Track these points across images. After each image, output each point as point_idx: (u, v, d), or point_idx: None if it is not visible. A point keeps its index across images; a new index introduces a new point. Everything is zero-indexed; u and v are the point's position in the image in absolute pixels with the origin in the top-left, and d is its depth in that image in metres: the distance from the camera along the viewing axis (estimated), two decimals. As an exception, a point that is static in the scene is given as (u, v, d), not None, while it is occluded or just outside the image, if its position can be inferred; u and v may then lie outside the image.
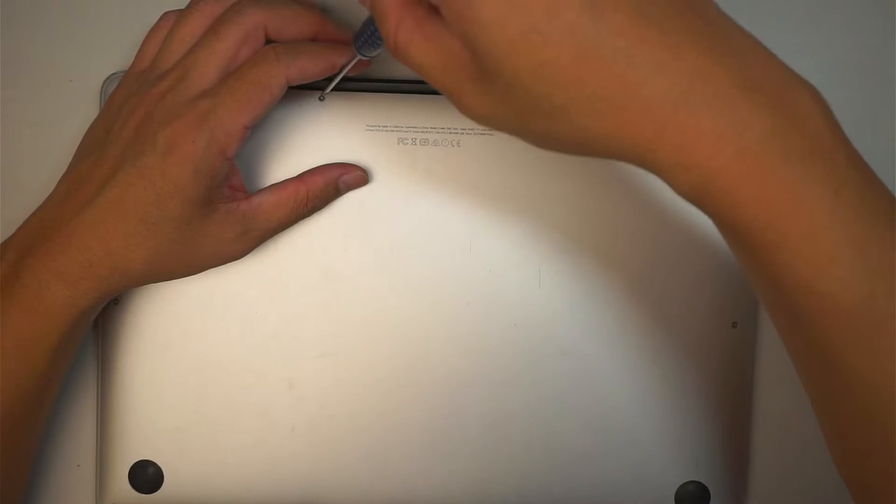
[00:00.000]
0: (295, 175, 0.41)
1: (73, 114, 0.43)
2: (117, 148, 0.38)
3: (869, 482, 0.32)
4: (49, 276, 0.37)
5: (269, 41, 0.39)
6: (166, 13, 0.41)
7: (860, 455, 0.32)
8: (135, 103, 0.38)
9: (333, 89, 0.41)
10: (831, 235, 0.29)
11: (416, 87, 0.42)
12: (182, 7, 0.40)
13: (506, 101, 0.31)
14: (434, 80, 0.32)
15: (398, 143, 0.42)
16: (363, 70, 0.40)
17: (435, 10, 0.31)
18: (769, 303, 0.33)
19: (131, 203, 0.37)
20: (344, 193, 0.42)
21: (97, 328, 0.43)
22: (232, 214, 0.39)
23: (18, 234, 0.38)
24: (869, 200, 0.30)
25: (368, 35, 0.37)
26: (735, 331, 0.43)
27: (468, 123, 0.42)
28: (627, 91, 0.29)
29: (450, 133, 0.42)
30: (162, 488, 0.42)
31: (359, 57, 0.38)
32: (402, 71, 0.43)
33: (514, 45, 0.29)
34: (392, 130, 0.42)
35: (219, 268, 0.41)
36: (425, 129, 0.42)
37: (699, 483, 0.43)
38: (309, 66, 0.38)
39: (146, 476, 0.42)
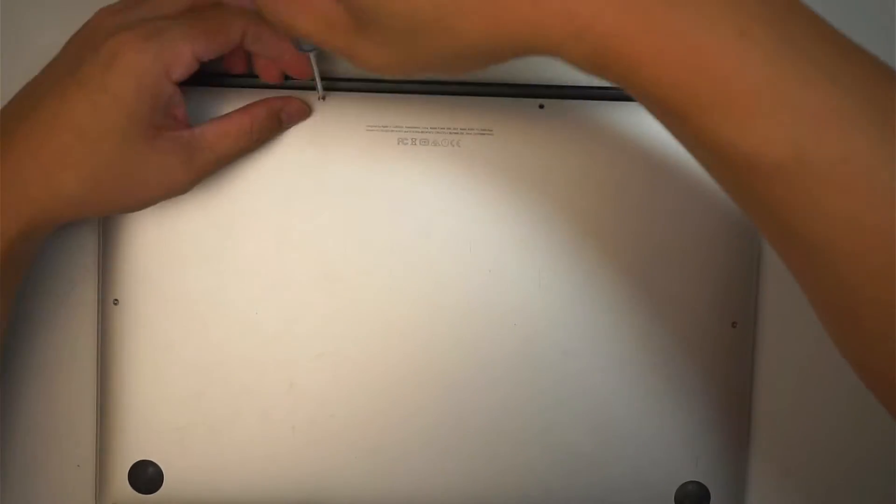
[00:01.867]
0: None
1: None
2: (60, 62, 0.36)
3: (855, 347, 0.30)
4: None
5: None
6: None
7: (839, 320, 0.29)
8: (92, 24, 0.37)
9: (334, 89, 0.41)
10: (743, 84, 0.26)
11: (416, 87, 0.42)
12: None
13: (389, 38, 0.30)
14: (325, 42, 0.32)
15: (398, 143, 0.42)
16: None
17: None
18: (710, 171, 0.29)
19: (67, 115, 0.35)
20: (287, 128, 0.41)
21: (97, 328, 0.43)
22: (176, 142, 0.37)
23: None
24: (787, 37, 0.26)
25: None
26: (735, 331, 0.43)
27: (468, 123, 0.42)
28: None
29: (450, 133, 0.42)
30: (162, 488, 0.42)
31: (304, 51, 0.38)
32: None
33: None
34: (392, 130, 0.42)
35: (218, 267, 0.41)
36: (425, 129, 0.42)
37: (699, 483, 0.43)
38: (267, 29, 0.37)
39: (146, 476, 0.42)
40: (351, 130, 0.42)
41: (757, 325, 0.44)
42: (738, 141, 0.26)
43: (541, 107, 0.42)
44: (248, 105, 0.40)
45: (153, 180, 0.37)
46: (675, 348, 0.42)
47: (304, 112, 0.41)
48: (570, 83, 0.42)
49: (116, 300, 0.42)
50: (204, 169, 0.39)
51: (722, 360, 0.43)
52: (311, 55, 0.38)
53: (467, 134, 0.42)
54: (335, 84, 0.41)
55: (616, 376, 0.43)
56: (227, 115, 0.39)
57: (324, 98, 0.41)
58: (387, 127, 0.42)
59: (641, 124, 0.42)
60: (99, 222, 0.42)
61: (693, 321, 0.42)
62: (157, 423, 0.42)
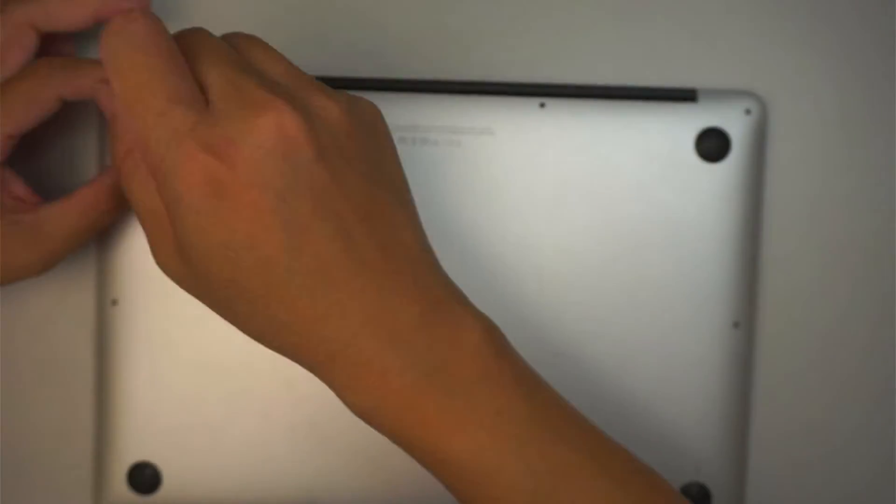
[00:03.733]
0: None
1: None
2: None
3: None
4: None
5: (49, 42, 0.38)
6: None
7: None
8: None
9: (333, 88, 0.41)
10: (494, 449, 0.32)
11: (416, 87, 0.42)
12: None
13: (198, 283, 0.33)
14: (141, 220, 0.33)
15: (398, 143, 0.42)
16: None
17: None
18: None
19: None
20: None
21: (96, 328, 0.43)
22: (16, 226, 0.37)
23: None
24: (534, 409, 0.33)
25: None
26: (735, 331, 0.43)
27: (468, 123, 0.42)
28: (306, 324, 0.32)
29: (450, 133, 0.42)
30: (160, 489, 0.42)
31: None
32: (401, 70, 0.43)
33: (211, 254, 0.31)
34: (392, 130, 0.42)
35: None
36: (425, 129, 0.42)
37: (700, 484, 0.43)
38: (86, 82, 0.36)
39: (144, 477, 0.42)
40: (351, 130, 0.42)
41: (757, 325, 0.44)
42: (486, 488, 0.33)
43: (542, 106, 0.42)
44: (94, 178, 0.38)
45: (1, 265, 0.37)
46: (675, 348, 0.42)
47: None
48: (570, 82, 0.42)
49: (115, 300, 0.42)
50: (52, 250, 0.37)
51: (722, 360, 0.43)
52: None
53: (467, 134, 0.42)
54: (334, 83, 0.41)
55: (616, 376, 0.42)
56: (76, 190, 0.38)
57: None
58: (387, 126, 0.42)
59: (642, 124, 0.42)
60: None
61: (693, 321, 0.42)
62: (155, 423, 0.42)
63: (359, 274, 0.31)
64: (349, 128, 0.33)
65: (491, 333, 0.34)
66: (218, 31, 0.35)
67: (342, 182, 0.31)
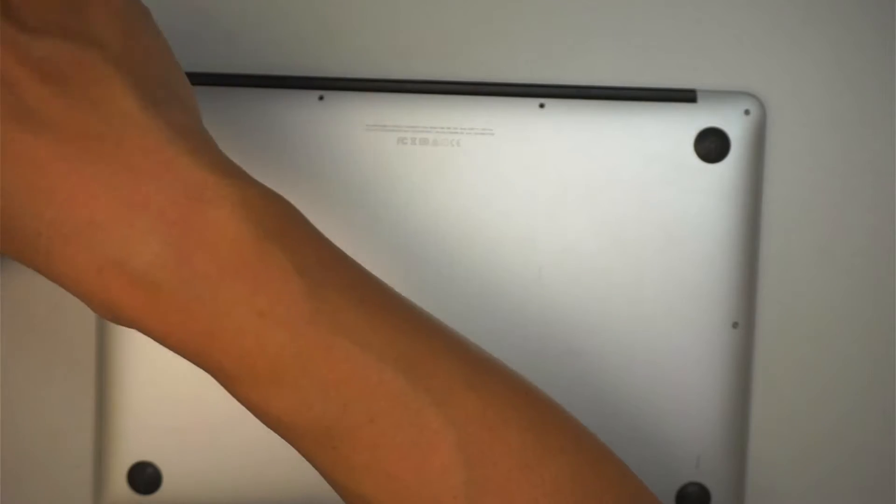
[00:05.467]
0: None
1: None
2: None
3: None
4: None
5: None
6: None
7: None
8: None
9: (333, 88, 0.41)
10: (265, 358, 0.27)
11: (416, 87, 0.42)
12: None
13: None
14: None
15: (398, 143, 0.42)
16: None
17: None
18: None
19: None
20: None
21: (96, 328, 0.43)
22: None
23: None
24: (318, 309, 0.27)
25: None
26: (735, 331, 0.43)
27: (468, 123, 0.42)
28: (5, 216, 0.27)
29: (450, 133, 0.42)
30: (160, 489, 0.42)
31: None
32: (402, 70, 0.43)
33: None
34: (392, 130, 0.42)
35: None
36: (425, 129, 0.42)
37: (700, 484, 0.43)
38: None
39: (144, 477, 0.42)
40: (350, 130, 0.42)
41: (757, 325, 0.44)
42: (267, 406, 0.28)
43: (541, 106, 0.42)
44: None
45: None
46: (675, 348, 0.42)
47: None
48: (570, 83, 0.42)
49: (115, 300, 0.42)
50: None
51: (722, 360, 0.43)
52: None
53: (467, 134, 0.42)
54: (334, 83, 0.41)
55: (615, 376, 0.42)
56: None
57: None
58: (386, 126, 0.42)
59: (642, 124, 0.42)
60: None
61: (693, 321, 0.42)
62: (155, 423, 0.42)
63: (59, 157, 0.26)
64: None
65: (251, 211, 0.27)
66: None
67: (13, 41, 0.26)
